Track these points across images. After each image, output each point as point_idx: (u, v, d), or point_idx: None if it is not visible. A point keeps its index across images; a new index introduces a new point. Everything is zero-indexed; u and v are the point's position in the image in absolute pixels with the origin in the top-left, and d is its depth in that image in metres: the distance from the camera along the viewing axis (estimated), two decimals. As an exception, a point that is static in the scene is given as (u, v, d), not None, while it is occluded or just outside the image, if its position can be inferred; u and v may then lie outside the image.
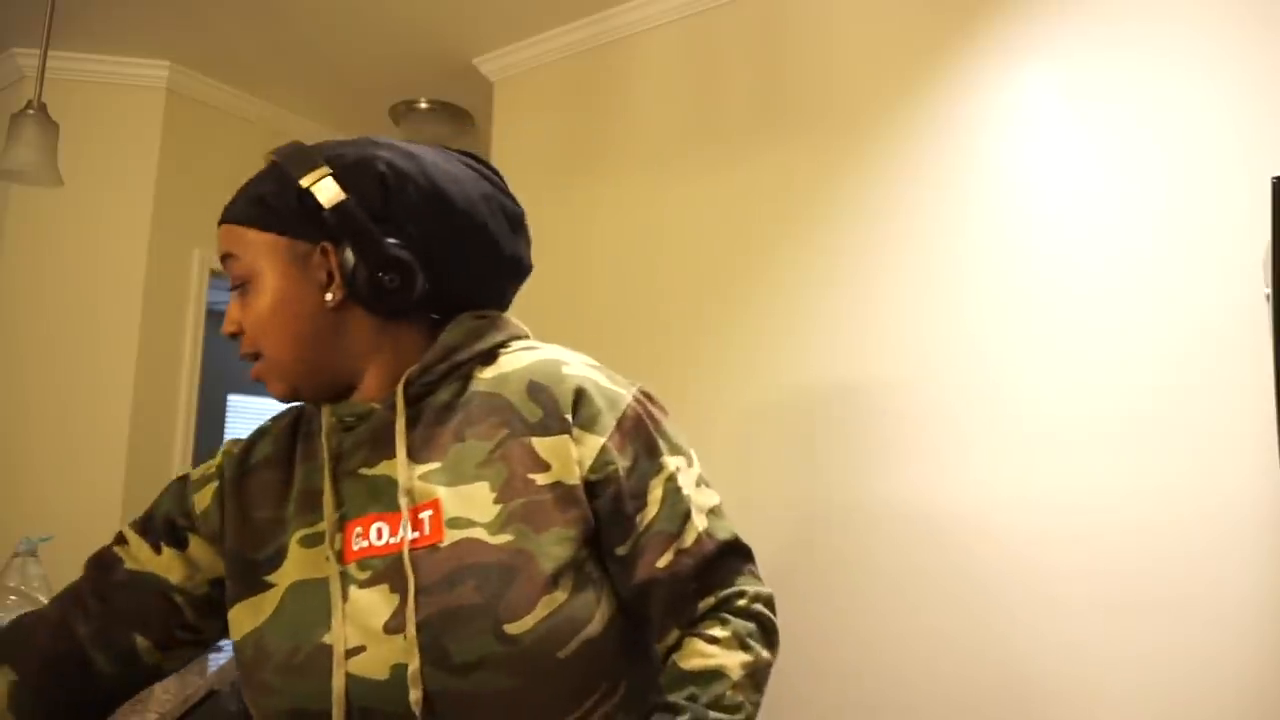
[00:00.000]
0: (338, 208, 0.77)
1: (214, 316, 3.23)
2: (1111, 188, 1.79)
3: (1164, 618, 1.62)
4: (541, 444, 0.77)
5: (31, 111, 1.96)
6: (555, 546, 0.74)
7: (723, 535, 0.81)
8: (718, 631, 0.78)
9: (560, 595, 0.73)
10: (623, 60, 2.62)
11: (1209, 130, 1.70)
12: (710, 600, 0.79)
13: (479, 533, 0.74)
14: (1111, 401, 1.73)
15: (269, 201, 0.80)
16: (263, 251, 0.79)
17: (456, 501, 0.75)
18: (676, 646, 0.79)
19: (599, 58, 2.68)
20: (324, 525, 0.78)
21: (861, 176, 2.12)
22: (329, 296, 0.79)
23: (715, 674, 0.75)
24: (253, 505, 0.84)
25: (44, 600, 1.60)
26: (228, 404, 6.07)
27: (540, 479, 0.76)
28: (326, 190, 0.77)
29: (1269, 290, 1.32)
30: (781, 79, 2.29)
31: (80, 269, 2.81)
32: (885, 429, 2.00)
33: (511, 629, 0.70)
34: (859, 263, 2.09)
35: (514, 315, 0.90)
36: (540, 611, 0.72)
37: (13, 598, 1.57)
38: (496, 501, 0.75)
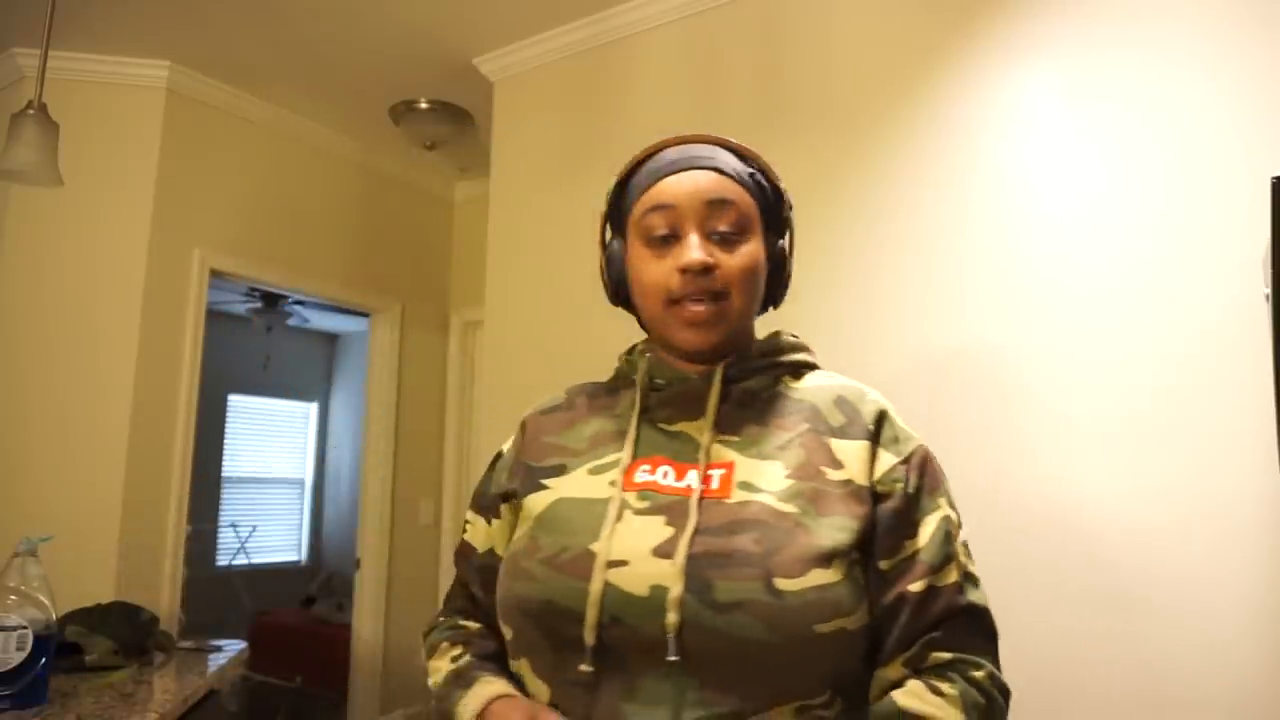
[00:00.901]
0: (790, 210, 0.97)
1: (214, 316, 3.23)
2: (1111, 188, 1.79)
3: (1163, 617, 1.62)
4: (839, 445, 0.86)
5: (31, 111, 1.96)
6: (836, 531, 0.80)
7: (976, 600, 0.83)
8: (946, 687, 0.78)
9: (832, 575, 0.77)
10: (623, 60, 2.62)
11: (1209, 130, 1.70)
12: (946, 656, 0.80)
13: (766, 498, 0.81)
14: (1111, 401, 1.73)
15: (760, 183, 0.93)
16: (753, 216, 0.91)
17: (749, 469, 0.84)
18: (899, 684, 0.80)
19: (599, 58, 2.68)
20: (613, 458, 0.89)
21: (861, 176, 2.12)
22: (764, 275, 0.93)
23: None
24: (543, 432, 0.98)
25: (45, 600, 1.60)
26: (228, 404, 6.06)
27: (832, 474, 0.84)
28: (789, 196, 0.97)
29: (1269, 290, 1.32)
30: (781, 79, 2.29)
31: (80, 269, 2.81)
32: (885, 429, 1.99)
33: (781, 584, 0.75)
34: (859, 263, 2.09)
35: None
36: (810, 580, 0.76)
37: (13, 598, 1.57)
38: (788, 479, 0.83)
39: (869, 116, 2.13)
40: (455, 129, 3.30)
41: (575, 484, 0.89)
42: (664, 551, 0.78)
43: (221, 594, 5.69)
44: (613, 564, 0.79)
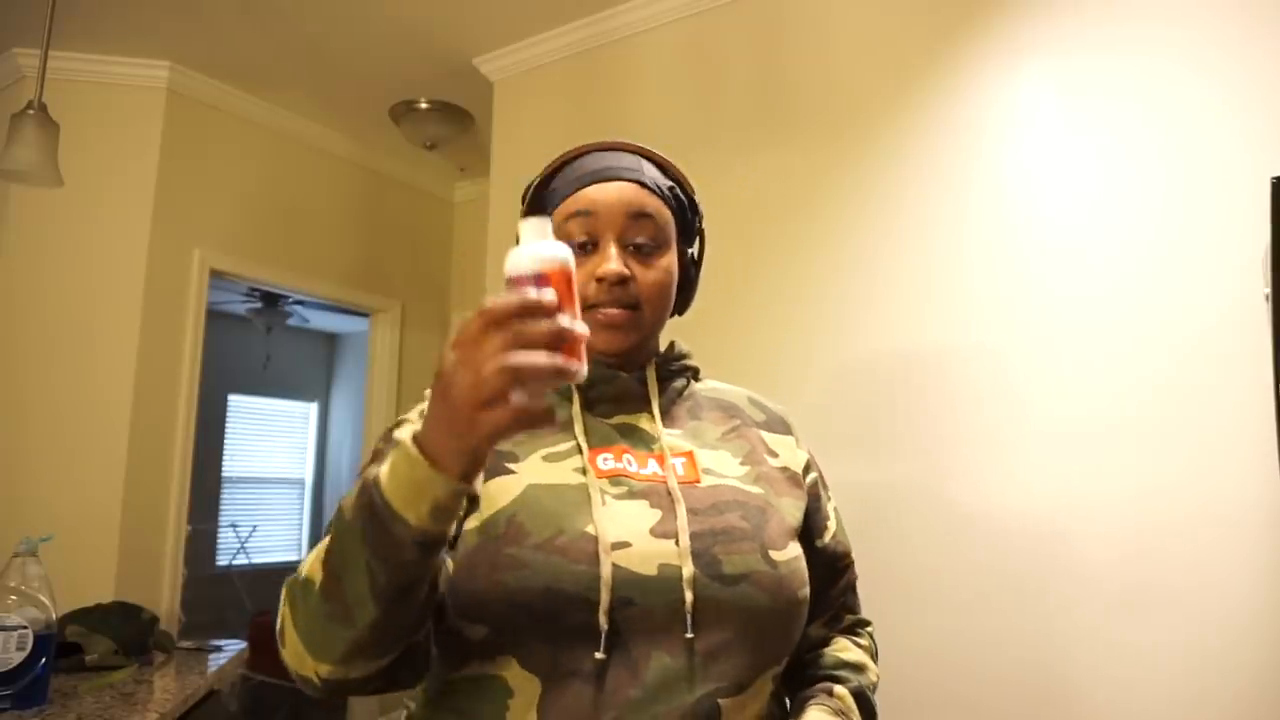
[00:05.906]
0: (701, 221, 1.00)
1: (214, 316, 3.23)
2: (1111, 188, 1.79)
3: (1163, 617, 1.62)
4: (769, 437, 0.97)
5: (31, 111, 1.96)
6: (793, 509, 0.91)
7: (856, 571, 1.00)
8: (864, 642, 0.97)
9: (798, 548, 0.87)
10: (623, 60, 2.62)
11: (1209, 130, 1.70)
12: (853, 619, 0.99)
13: (734, 482, 0.88)
14: (1111, 401, 1.73)
15: (679, 197, 0.96)
16: (669, 228, 0.93)
17: (706, 457, 0.90)
18: (826, 642, 0.95)
19: (599, 58, 2.68)
20: (566, 445, 0.88)
21: (862, 176, 2.12)
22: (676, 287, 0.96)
23: (864, 668, 0.93)
24: None
25: (45, 600, 1.60)
26: (228, 404, 6.06)
27: (771, 461, 0.94)
28: (702, 208, 1.00)
29: (1269, 290, 1.32)
30: (781, 79, 2.29)
31: (80, 269, 2.81)
32: (885, 428, 2.00)
33: (774, 555, 0.83)
34: (859, 263, 2.09)
35: None
36: (791, 551, 0.85)
37: (13, 598, 1.57)
38: (743, 464, 0.91)
39: (869, 116, 2.13)
40: (455, 129, 3.30)
41: (535, 471, 0.84)
42: (662, 532, 0.80)
43: (221, 594, 5.69)
44: (616, 545, 0.77)
